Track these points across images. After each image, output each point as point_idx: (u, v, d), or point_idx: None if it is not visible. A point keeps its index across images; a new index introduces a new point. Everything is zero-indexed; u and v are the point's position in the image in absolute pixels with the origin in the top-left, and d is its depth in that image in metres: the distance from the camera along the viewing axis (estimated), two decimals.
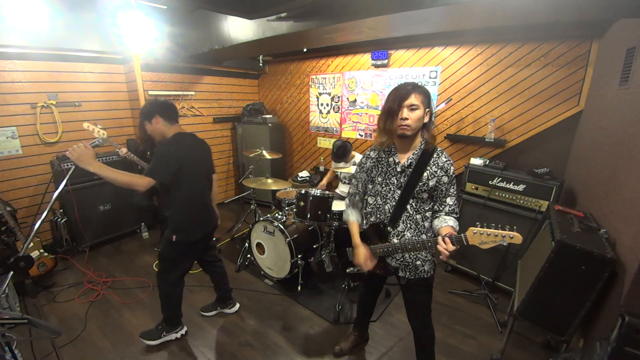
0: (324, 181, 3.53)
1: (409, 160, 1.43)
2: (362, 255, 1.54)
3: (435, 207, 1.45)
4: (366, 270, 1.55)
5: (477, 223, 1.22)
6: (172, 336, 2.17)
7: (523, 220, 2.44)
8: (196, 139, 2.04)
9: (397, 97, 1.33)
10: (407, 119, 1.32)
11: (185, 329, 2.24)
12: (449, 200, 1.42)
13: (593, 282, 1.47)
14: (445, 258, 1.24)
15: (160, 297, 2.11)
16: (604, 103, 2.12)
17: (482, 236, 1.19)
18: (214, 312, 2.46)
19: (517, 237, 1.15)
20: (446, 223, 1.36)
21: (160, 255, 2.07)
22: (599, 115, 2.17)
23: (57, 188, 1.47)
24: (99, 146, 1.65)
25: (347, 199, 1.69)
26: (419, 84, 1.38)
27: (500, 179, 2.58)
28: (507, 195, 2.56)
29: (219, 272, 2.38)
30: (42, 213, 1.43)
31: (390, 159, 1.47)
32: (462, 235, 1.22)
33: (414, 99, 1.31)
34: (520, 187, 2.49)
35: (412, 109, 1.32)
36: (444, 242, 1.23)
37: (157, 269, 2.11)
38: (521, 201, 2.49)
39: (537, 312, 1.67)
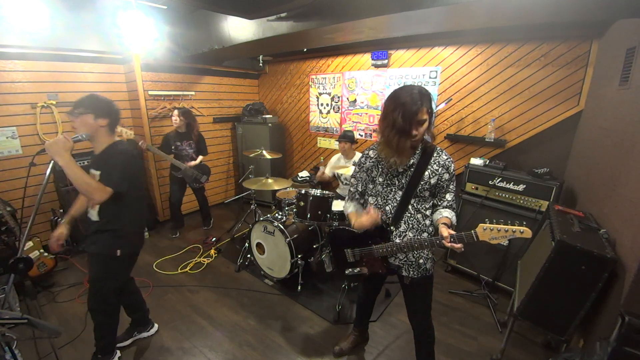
0: (325, 175, 3.58)
1: (411, 161, 1.43)
2: (363, 217, 1.42)
3: (435, 201, 1.50)
4: (376, 221, 1.41)
5: (487, 220, 1.25)
6: None
7: (523, 220, 2.39)
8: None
9: (409, 115, 1.27)
10: (417, 134, 1.31)
11: (119, 354, 1.99)
12: (448, 196, 1.47)
13: (593, 282, 1.47)
14: (450, 244, 1.28)
15: (98, 325, 1.87)
16: (604, 103, 2.12)
17: (492, 232, 1.22)
18: (129, 341, 2.10)
19: (527, 232, 1.19)
20: (441, 215, 1.43)
21: (95, 278, 1.80)
22: (599, 115, 2.17)
23: (49, 185, 1.45)
24: (81, 141, 1.58)
25: (347, 196, 1.69)
26: (421, 86, 1.36)
27: (500, 179, 2.58)
28: (507, 195, 2.56)
29: (133, 291, 2.09)
30: (31, 213, 1.43)
31: (392, 160, 1.46)
32: (472, 232, 1.25)
33: (423, 114, 1.29)
34: (520, 187, 2.49)
35: (421, 123, 1.31)
36: (450, 241, 1.27)
37: (92, 297, 1.81)
38: (521, 201, 2.49)
39: (537, 312, 1.67)
